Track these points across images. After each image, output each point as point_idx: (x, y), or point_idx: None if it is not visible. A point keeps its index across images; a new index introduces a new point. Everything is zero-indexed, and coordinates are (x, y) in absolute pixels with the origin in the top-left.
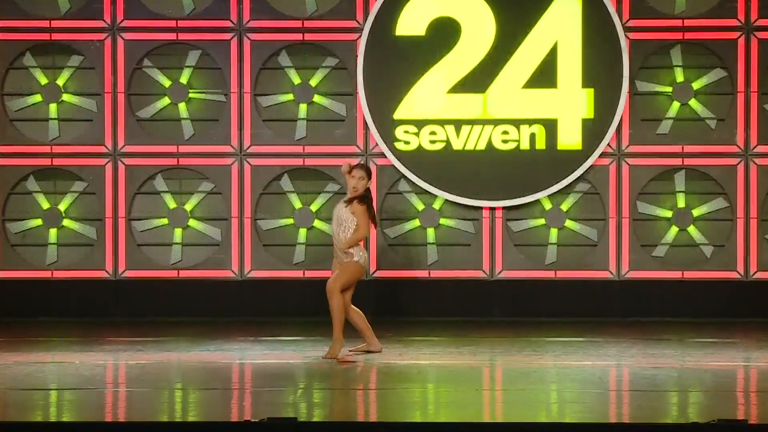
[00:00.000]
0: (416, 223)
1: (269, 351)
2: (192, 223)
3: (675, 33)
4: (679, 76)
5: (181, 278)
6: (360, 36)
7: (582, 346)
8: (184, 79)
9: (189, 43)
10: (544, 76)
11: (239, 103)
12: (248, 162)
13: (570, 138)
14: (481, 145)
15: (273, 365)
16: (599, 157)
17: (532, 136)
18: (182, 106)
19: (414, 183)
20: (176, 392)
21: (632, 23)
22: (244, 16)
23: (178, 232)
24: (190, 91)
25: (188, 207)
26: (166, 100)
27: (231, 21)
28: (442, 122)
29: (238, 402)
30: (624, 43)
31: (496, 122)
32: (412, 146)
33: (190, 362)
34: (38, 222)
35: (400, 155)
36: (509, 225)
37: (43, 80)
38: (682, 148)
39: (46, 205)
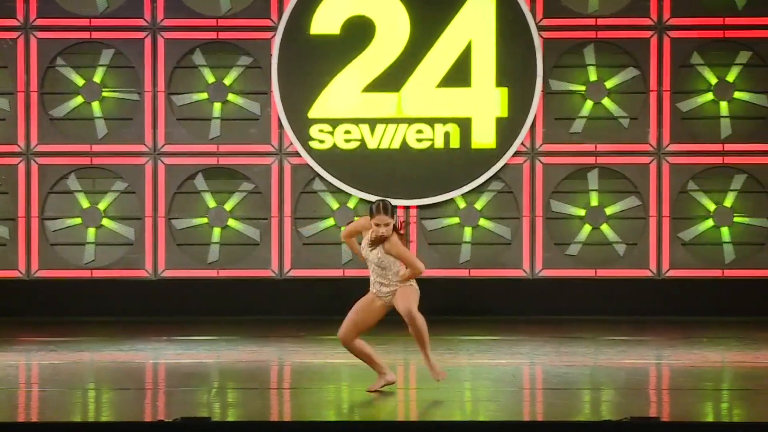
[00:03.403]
0: (331, 222)
1: (183, 351)
2: (105, 222)
3: (588, 32)
4: (593, 75)
5: (94, 278)
6: (274, 35)
7: (495, 345)
8: (97, 78)
9: (102, 41)
10: (458, 75)
11: (153, 102)
12: (162, 161)
13: (484, 137)
14: (396, 144)
15: (187, 365)
16: (513, 155)
17: (447, 135)
18: (96, 104)
19: (329, 182)
20: (89, 392)
21: (546, 22)
22: (158, 15)
23: (91, 231)
24: (103, 90)
25: (102, 206)
26: (79, 99)
27: (145, 20)
28: (356, 121)
29: (152, 402)
30: (537, 42)
31: (411, 121)
32: (327, 145)
33: (104, 362)
34: None
35: (314, 154)
36: (423, 224)
37: None
38: (596, 146)
39: None
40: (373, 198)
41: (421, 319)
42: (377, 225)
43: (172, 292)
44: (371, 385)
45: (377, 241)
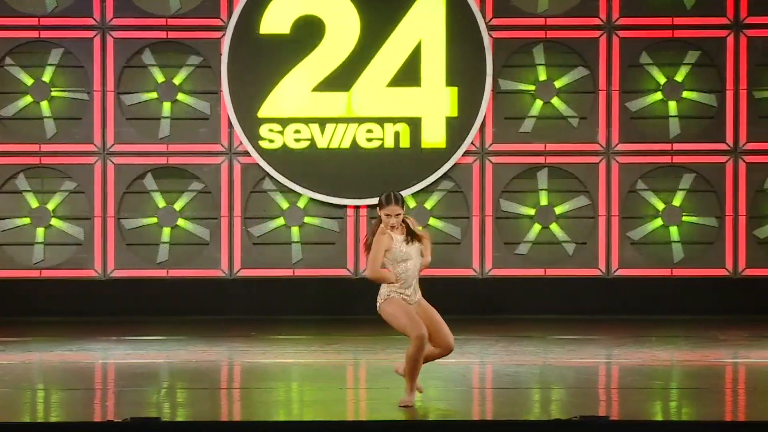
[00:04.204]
0: (281, 221)
1: (133, 351)
2: (54, 222)
3: (538, 32)
4: (542, 75)
5: (43, 278)
6: (224, 34)
7: None
8: (46, 78)
9: (52, 41)
10: (408, 74)
11: (102, 102)
12: (111, 161)
13: (434, 136)
14: (346, 144)
15: (136, 365)
16: (463, 155)
17: (396, 135)
18: (45, 104)
19: (278, 182)
20: (38, 393)
21: (495, 22)
22: (108, 14)
23: (40, 231)
24: (52, 89)
25: (51, 206)
26: (28, 99)
27: (94, 19)
28: (306, 120)
29: (101, 402)
30: (487, 42)
31: (361, 120)
32: (277, 144)
33: (53, 362)
34: None
35: (264, 154)
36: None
37: None
38: (545, 146)
39: None
40: (323, 198)
41: None
42: (387, 216)
43: (121, 292)
44: (406, 401)
45: (408, 233)
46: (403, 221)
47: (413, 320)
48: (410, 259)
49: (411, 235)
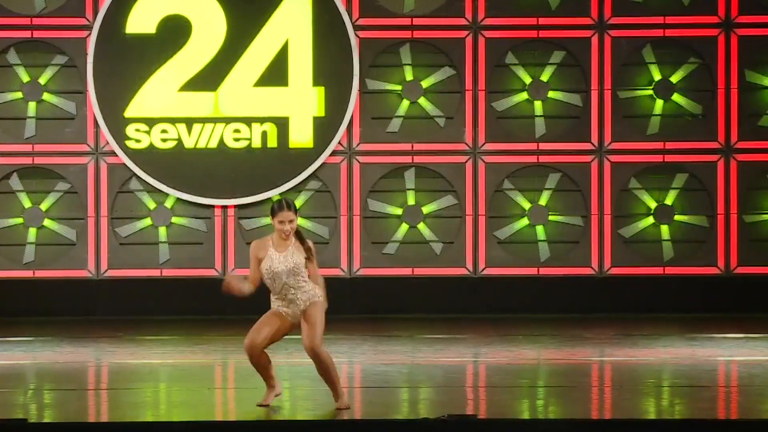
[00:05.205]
0: (148, 221)
1: None
2: None
3: (404, 32)
4: (409, 75)
5: None
6: (90, 34)
7: None
8: None
9: None
10: (275, 74)
11: None
12: None
13: (301, 136)
14: (213, 144)
15: (2, 366)
16: (330, 155)
17: (264, 135)
18: None
19: (145, 182)
20: None
21: (362, 22)
22: None
23: None
24: None
25: None
26: None
27: None
28: (173, 120)
29: None
30: (354, 42)
31: (228, 120)
32: (144, 144)
33: None
34: None
35: (131, 153)
36: (241, 223)
37: None
38: (412, 146)
39: None
40: (190, 198)
41: (325, 354)
42: (281, 223)
43: None
44: (261, 399)
45: (291, 240)
46: (296, 232)
47: (253, 331)
48: (283, 274)
49: (298, 243)
